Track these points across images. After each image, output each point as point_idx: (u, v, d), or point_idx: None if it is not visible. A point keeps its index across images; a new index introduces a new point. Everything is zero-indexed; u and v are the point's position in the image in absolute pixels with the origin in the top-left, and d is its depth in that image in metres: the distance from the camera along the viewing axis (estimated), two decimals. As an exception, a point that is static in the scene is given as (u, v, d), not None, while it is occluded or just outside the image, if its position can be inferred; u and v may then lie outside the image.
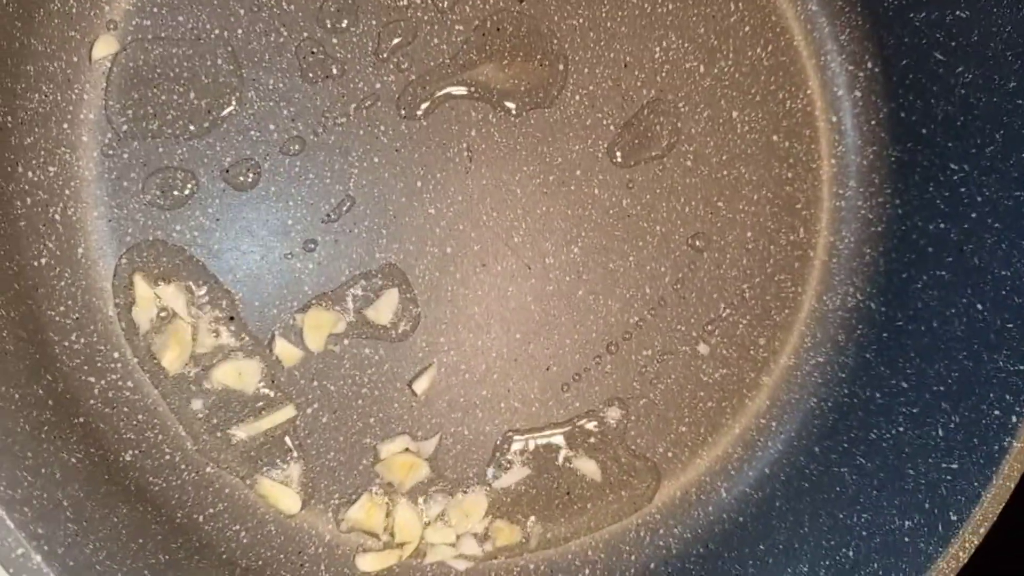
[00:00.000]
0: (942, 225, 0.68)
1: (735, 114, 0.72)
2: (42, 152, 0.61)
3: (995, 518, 0.59)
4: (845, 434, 0.70)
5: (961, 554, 0.59)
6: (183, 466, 0.64)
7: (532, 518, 0.70)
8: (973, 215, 0.66)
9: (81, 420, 0.59)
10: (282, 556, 0.65)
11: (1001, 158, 0.64)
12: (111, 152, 0.63)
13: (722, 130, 0.72)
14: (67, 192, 0.62)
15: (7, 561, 0.45)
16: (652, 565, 0.71)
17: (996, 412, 0.60)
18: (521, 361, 0.70)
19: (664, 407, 0.72)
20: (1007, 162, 0.63)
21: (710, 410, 0.73)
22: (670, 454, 0.72)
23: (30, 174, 0.60)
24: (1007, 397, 0.60)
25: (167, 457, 0.64)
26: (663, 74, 0.70)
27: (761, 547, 0.68)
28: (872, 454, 0.67)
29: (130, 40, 0.63)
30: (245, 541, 0.65)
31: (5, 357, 0.53)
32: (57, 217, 0.61)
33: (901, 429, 0.66)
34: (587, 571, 0.71)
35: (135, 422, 0.63)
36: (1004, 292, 0.63)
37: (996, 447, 0.60)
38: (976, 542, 0.59)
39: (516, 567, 0.70)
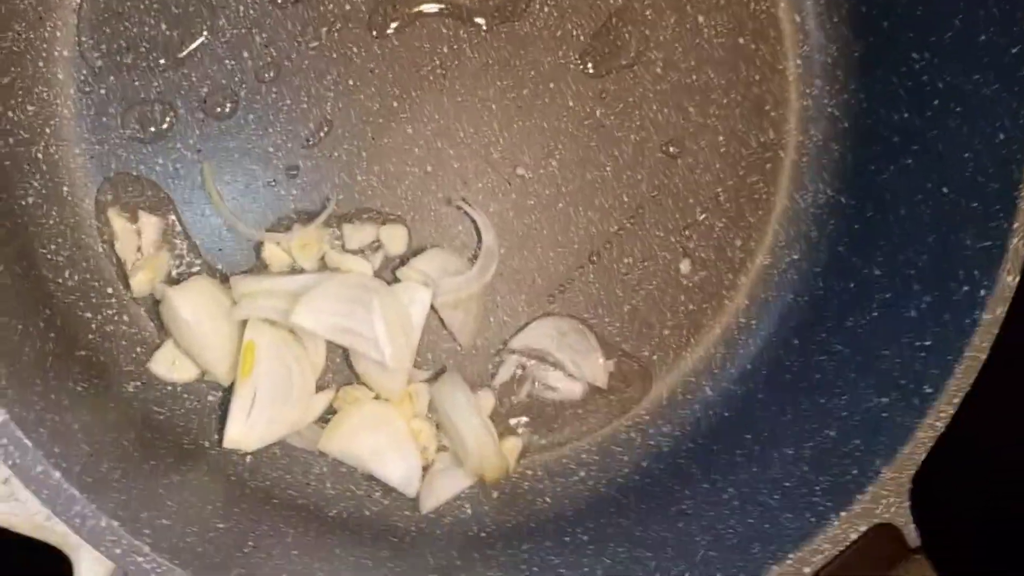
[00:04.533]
0: (906, 115, 0.70)
1: (701, 19, 0.73)
2: (19, 91, 0.61)
3: (968, 388, 0.62)
4: (821, 325, 0.72)
5: (937, 423, 0.61)
6: (185, 395, 0.66)
7: (525, 422, 0.72)
8: (935, 102, 0.67)
9: (82, 353, 0.61)
10: (288, 476, 0.67)
11: (960, 43, 0.65)
12: (88, 88, 0.63)
13: (689, 35, 0.73)
14: (47, 130, 0.62)
15: (28, 479, 0.47)
16: (645, 463, 0.73)
17: (965, 288, 0.62)
18: (507, 275, 0.71)
19: (647, 312, 0.74)
20: (965, 47, 0.65)
21: (691, 312, 0.75)
22: (655, 357, 0.74)
23: (9, 114, 0.61)
24: (975, 272, 0.62)
25: (168, 388, 0.65)
26: (629, -20, 0.71)
27: (748, 436, 0.70)
28: (849, 341, 0.69)
29: (98, -26, 0.63)
30: (250, 462, 0.66)
31: (5, 290, 0.54)
32: (40, 156, 0.62)
33: (876, 315, 0.69)
34: (582, 473, 0.73)
35: (134, 354, 0.64)
36: (967, 173, 0.65)
37: (967, 320, 0.62)
38: (951, 412, 0.61)
39: (513, 474, 0.72)
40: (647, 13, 0.72)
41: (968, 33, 0.65)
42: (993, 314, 0.61)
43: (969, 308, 0.62)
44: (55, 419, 0.50)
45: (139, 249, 0.64)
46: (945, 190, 0.66)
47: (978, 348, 0.62)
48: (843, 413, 0.66)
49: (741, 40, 0.74)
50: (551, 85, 0.70)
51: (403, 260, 0.69)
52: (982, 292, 0.62)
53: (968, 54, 0.65)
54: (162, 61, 0.64)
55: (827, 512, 0.59)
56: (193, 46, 0.64)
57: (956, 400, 0.62)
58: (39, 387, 0.51)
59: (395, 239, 0.69)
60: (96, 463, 0.51)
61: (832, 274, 0.74)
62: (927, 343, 0.64)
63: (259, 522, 0.61)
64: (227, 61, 0.65)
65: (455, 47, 0.68)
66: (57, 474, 0.47)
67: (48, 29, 0.62)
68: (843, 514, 0.59)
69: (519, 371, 0.72)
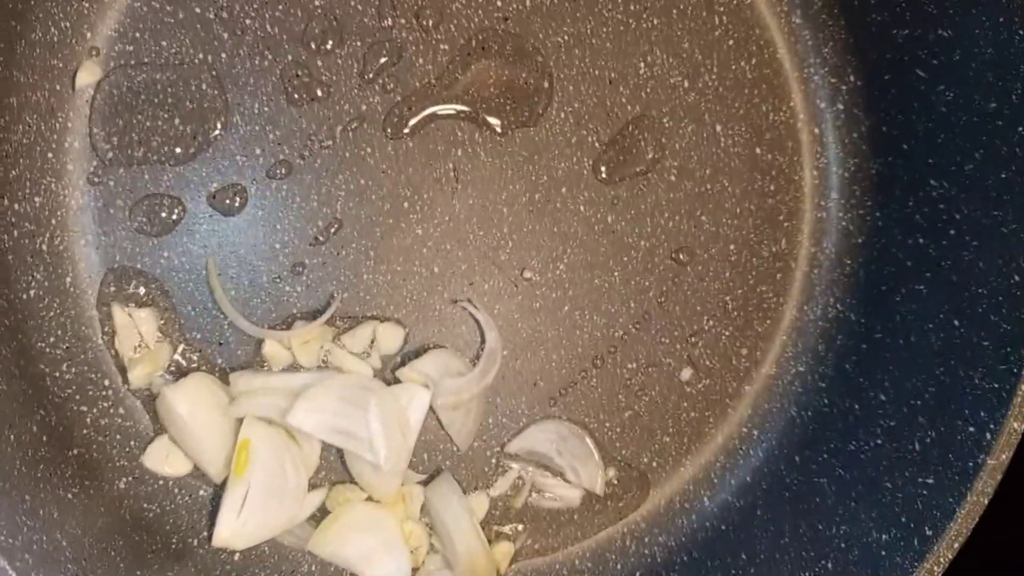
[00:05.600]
0: (921, 240, 0.69)
1: (719, 128, 0.72)
2: (27, 183, 0.61)
3: (969, 533, 0.61)
4: (824, 444, 0.71)
5: (936, 568, 0.61)
6: (176, 490, 0.65)
7: (520, 527, 0.72)
8: (952, 232, 0.67)
9: (75, 452, 0.60)
10: (276, 575, 0.67)
11: (980, 177, 0.65)
12: (97, 180, 0.63)
13: (706, 144, 0.72)
14: (53, 222, 0.62)
15: (10, 610, 0.46)
16: (638, 574, 0.73)
17: (971, 429, 0.62)
18: (508, 377, 0.71)
19: (649, 418, 0.73)
20: (985, 181, 0.64)
21: (693, 420, 0.74)
22: (655, 463, 0.74)
23: (16, 206, 0.60)
24: (981, 414, 0.62)
25: (160, 483, 0.64)
26: (648, 90, 0.71)
27: (743, 556, 0.70)
28: (851, 465, 0.69)
29: (113, 66, 0.63)
30: (238, 560, 0.66)
31: (1, 396, 0.53)
32: (44, 248, 0.61)
33: (879, 441, 0.68)
34: (574, 579, 0.73)
35: (127, 449, 0.64)
36: (980, 310, 0.64)
37: (970, 463, 0.61)
38: (950, 557, 0.61)
39: (505, 576, 0.72)
40: (664, 121, 0.71)
41: (990, 168, 0.64)
42: (997, 459, 0.61)
43: (973, 450, 0.62)
44: (42, 539, 0.50)
45: (140, 342, 0.64)
46: (956, 323, 0.66)
47: (980, 493, 0.61)
48: (842, 544, 0.66)
49: (758, 150, 0.73)
50: (563, 190, 0.70)
51: (404, 359, 0.68)
52: (988, 435, 0.61)
53: (988, 189, 0.64)
54: (173, 155, 0.63)
55: (820, 655, 0.59)
56: (205, 141, 0.64)
57: (956, 545, 0.61)
58: (27, 504, 0.51)
59: (390, 338, 0.68)
60: (81, 584, 0.51)
61: (838, 392, 0.73)
62: (929, 480, 0.63)
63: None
64: (239, 157, 0.64)
65: (469, 150, 0.68)
66: (39, 605, 0.47)
67: (60, 120, 0.62)
68: (836, 658, 0.58)
69: (519, 481, 0.71)
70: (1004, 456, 0.61)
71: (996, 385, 0.62)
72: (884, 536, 0.64)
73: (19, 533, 0.48)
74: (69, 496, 0.56)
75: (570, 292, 0.71)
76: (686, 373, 0.73)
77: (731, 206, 0.73)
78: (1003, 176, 0.63)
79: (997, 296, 0.63)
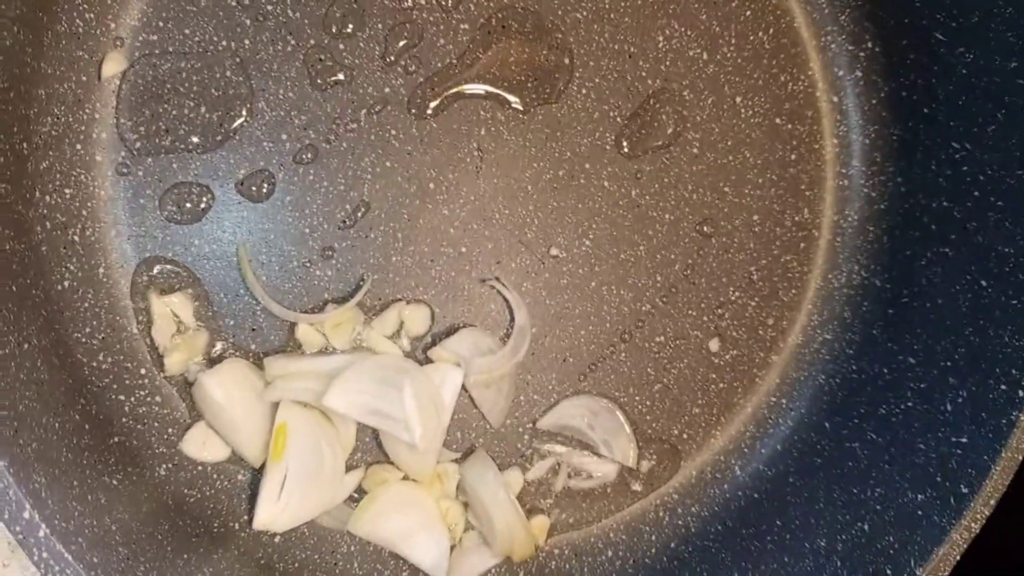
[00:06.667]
0: (945, 203, 0.69)
1: (739, 99, 0.72)
2: (57, 175, 0.61)
3: (1005, 489, 0.61)
4: (855, 410, 0.72)
5: (973, 525, 0.61)
6: (215, 476, 0.65)
7: (554, 501, 0.72)
8: (976, 193, 0.67)
9: (116, 440, 0.61)
10: (316, 556, 0.67)
11: (1002, 137, 0.65)
12: (125, 170, 0.63)
13: (726, 116, 0.72)
14: (84, 213, 0.62)
15: (68, 592, 0.47)
16: (673, 544, 0.73)
17: (1003, 387, 0.62)
18: (539, 354, 0.71)
19: (678, 391, 0.73)
20: (1008, 141, 0.64)
21: (722, 391, 0.74)
22: (685, 435, 0.74)
23: (47, 198, 0.60)
24: (1013, 371, 0.62)
25: (199, 468, 0.65)
26: (667, 63, 0.71)
27: (778, 523, 0.70)
28: (882, 429, 0.69)
29: (138, 56, 0.63)
30: (279, 543, 0.66)
31: (41, 387, 0.54)
32: (76, 239, 0.62)
33: (910, 404, 0.68)
34: (609, 553, 0.73)
35: (166, 436, 0.64)
36: (1008, 269, 0.64)
37: (1004, 420, 0.61)
38: (987, 513, 0.61)
39: (540, 552, 0.72)
40: (685, 94, 0.71)
41: (1012, 128, 0.64)
42: (1032, 416, 0.61)
43: (1007, 407, 0.62)
44: (92, 524, 0.50)
45: (176, 331, 0.64)
46: (984, 283, 0.66)
47: (1015, 449, 0.61)
48: (877, 506, 0.66)
49: (778, 120, 0.73)
50: (587, 166, 0.70)
51: (435, 339, 0.69)
52: (1020, 392, 0.61)
53: (1011, 149, 0.64)
54: (200, 143, 0.64)
55: (863, 613, 0.59)
56: (232, 128, 0.64)
57: (993, 501, 0.61)
58: (77, 490, 0.51)
59: (417, 319, 0.69)
60: (133, 566, 0.51)
61: (866, 358, 0.73)
62: (963, 440, 0.63)
63: (290, 611, 0.61)
64: (265, 143, 0.65)
65: (492, 129, 0.68)
66: (96, 586, 0.47)
67: (87, 112, 0.62)
68: (879, 615, 0.58)
69: (556, 465, 0.72)
70: (1039, 413, 0.61)
71: (1027, 343, 0.62)
72: (920, 496, 0.64)
73: (71, 518, 0.49)
74: (114, 483, 0.57)
75: (596, 268, 0.71)
76: (714, 344, 0.74)
77: (753, 177, 0.73)
78: (1026, 135, 0.63)
79: (1024, 254, 0.63)
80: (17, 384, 0.51)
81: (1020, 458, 0.62)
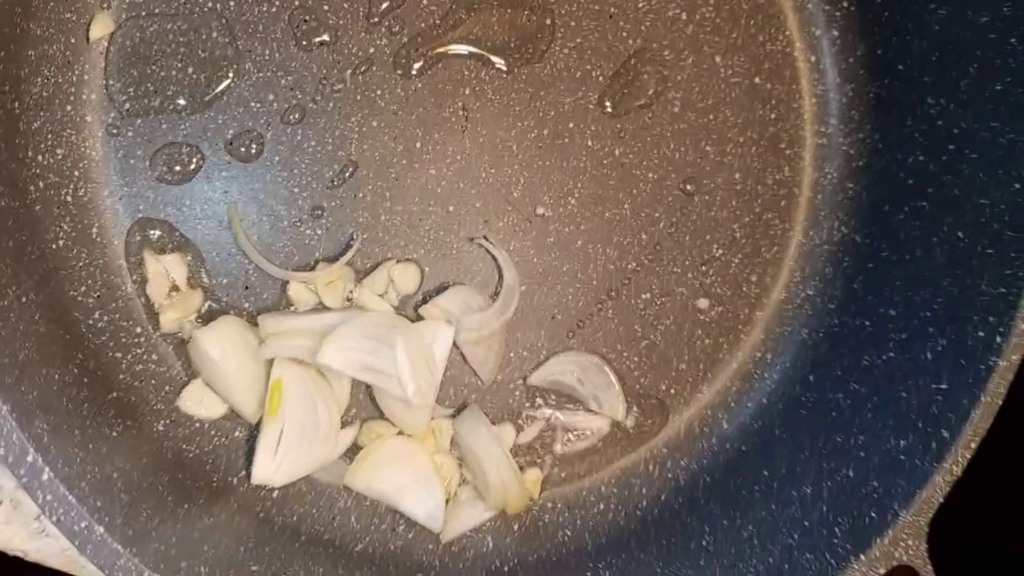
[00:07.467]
0: (921, 158, 0.71)
1: (718, 59, 0.74)
2: (49, 135, 0.62)
3: (984, 433, 0.63)
4: (837, 362, 0.73)
5: (955, 468, 0.62)
6: (212, 432, 0.66)
7: (546, 458, 0.73)
8: (951, 147, 0.68)
9: (114, 395, 0.61)
10: (314, 511, 0.68)
11: (976, 91, 0.66)
12: (116, 131, 0.64)
13: (706, 75, 0.74)
14: (76, 173, 0.63)
15: (72, 534, 0.47)
16: (663, 497, 0.74)
17: (980, 333, 0.63)
18: (527, 312, 0.72)
19: (665, 347, 0.75)
20: (982, 94, 0.66)
21: (708, 347, 0.76)
22: (673, 391, 0.75)
23: (40, 158, 0.61)
24: (990, 319, 0.63)
25: (196, 425, 0.66)
26: (647, 23, 0.72)
27: (765, 472, 0.71)
28: (865, 379, 0.70)
29: (125, 18, 0.64)
30: (277, 497, 0.67)
31: (40, 339, 0.54)
32: (69, 199, 0.62)
33: (892, 355, 0.70)
34: (601, 506, 0.74)
35: (163, 393, 0.65)
36: (983, 220, 0.65)
37: (982, 366, 0.62)
38: (968, 456, 0.62)
39: (533, 506, 0.73)
40: (665, 54, 0.73)
41: (984, 81, 0.66)
42: (1008, 361, 0.62)
43: (984, 353, 0.63)
44: (95, 470, 0.51)
45: (171, 289, 0.65)
46: (960, 235, 0.67)
47: (994, 394, 0.63)
48: (861, 453, 0.67)
49: (757, 80, 0.75)
50: (571, 125, 0.71)
51: (425, 297, 0.70)
52: (998, 338, 0.63)
53: (984, 102, 0.66)
54: (189, 104, 0.64)
55: (847, 555, 0.60)
56: (219, 89, 0.65)
57: (973, 444, 0.63)
58: (78, 438, 0.52)
59: (406, 278, 0.70)
60: (135, 513, 0.52)
61: (848, 311, 0.75)
62: (943, 386, 0.65)
63: (289, 562, 0.62)
64: (253, 103, 0.66)
65: (477, 89, 0.69)
66: (100, 528, 0.48)
67: (76, 73, 0.63)
68: (862, 557, 0.60)
69: (547, 429, 0.73)
70: (1015, 357, 0.62)
71: (1003, 290, 0.63)
72: (902, 442, 0.65)
73: (74, 463, 0.50)
74: (114, 434, 0.57)
75: (582, 226, 0.72)
76: (700, 302, 0.75)
77: (734, 136, 0.75)
78: (998, 88, 0.64)
79: (999, 205, 0.65)
80: (17, 334, 0.52)
81: (999, 402, 0.63)
